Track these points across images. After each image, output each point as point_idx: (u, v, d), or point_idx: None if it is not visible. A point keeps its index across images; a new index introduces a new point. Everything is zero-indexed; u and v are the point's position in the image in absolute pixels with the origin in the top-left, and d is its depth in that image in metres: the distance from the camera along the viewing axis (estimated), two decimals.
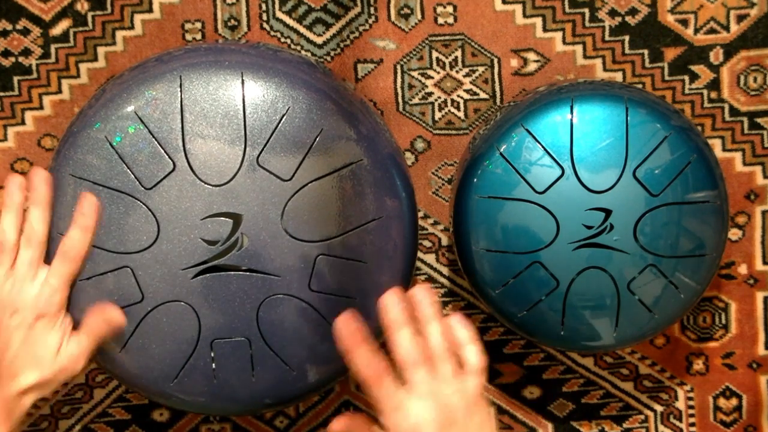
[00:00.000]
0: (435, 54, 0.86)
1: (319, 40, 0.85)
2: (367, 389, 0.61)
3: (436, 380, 0.60)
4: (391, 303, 0.62)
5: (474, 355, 0.63)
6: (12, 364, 0.63)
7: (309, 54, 0.85)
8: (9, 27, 0.83)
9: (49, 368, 0.64)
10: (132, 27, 0.84)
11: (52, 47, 0.83)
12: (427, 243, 0.88)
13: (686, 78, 0.87)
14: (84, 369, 0.66)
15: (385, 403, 0.60)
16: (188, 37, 0.84)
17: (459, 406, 0.60)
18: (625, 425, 0.92)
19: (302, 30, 0.85)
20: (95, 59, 0.84)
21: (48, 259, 0.67)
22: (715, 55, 0.86)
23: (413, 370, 0.60)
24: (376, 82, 0.86)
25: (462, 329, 0.64)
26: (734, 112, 0.87)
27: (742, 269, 0.89)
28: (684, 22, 0.86)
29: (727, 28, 0.86)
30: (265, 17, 0.85)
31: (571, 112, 0.74)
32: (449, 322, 0.64)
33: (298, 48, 0.85)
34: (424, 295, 0.63)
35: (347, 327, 0.62)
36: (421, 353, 0.61)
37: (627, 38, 0.86)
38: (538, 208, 0.74)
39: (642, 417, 0.92)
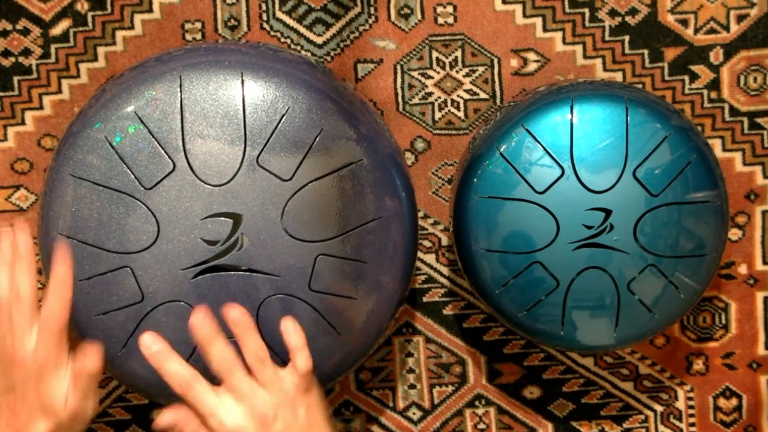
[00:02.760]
0: (435, 54, 0.86)
1: (319, 40, 0.85)
2: (183, 398, 0.65)
3: (255, 384, 0.65)
4: (199, 322, 0.65)
5: (302, 360, 0.68)
6: (30, 412, 0.64)
7: (309, 54, 0.85)
8: (9, 27, 0.83)
9: (61, 416, 0.64)
10: (132, 27, 0.84)
11: (52, 47, 0.83)
12: (427, 243, 0.88)
13: (686, 78, 0.87)
14: (94, 413, 0.67)
15: (200, 410, 0.64)
16: (188, 37, 0.84)
17: (277, 404, 0.65)
18: (625, 425, 0.92)
19: (302, 30, 0.85)
20: (95, 59, 0.84)
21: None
22: (715, 55, 0.86)
23: (229, 376, 0.65)
24: (376, 82, 0.86)
25: (292, 336, 0.68)
26: (734, 112, 0.87)
27: (742, 269, 0.89)
28: (684, 22, 0.86)
29: (727, 28, 0.86)
30: (265, 17, 0.85)
31: (571, 112, 0.74)
32: (282, 328, 0.68)
33: (298, 48, 0.85)
34: (237, 315, 0.67)
35: (153, 344, 0.66)
36: (235, 361, 0.66)
37: (627, 38, 0.86)
38: (538, 208, 0.74)
39: (642, 417, 0.92)
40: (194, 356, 0.71)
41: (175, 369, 0.65)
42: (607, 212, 0.74)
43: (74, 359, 0.65)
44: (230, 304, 0.67)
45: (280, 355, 0.71)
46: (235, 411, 0.65)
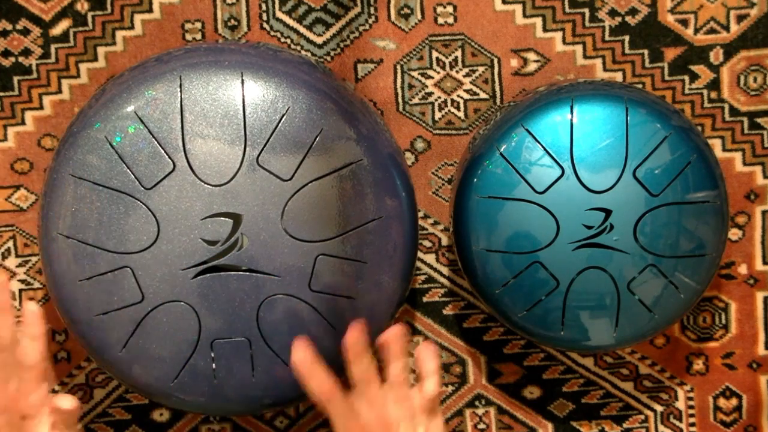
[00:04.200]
0: (435, 54, 0.86)
1: (319, 40, 0.85)
2: (321, 406, 0.66)
3: (390, 399, 0.67)
4: (353, 341, 0.66)
5: (431, 386, 0.69)
6: None
7: (309, 54, 0.85)
8: (9, 27, 0.83)
9: None
10: (132, 27, 0.84)
11: (52, 47, 0.83)
12: (427, 243, 0.88)
13: (686, 78, 0.87)
14: None
15: (336, 412, 0.66)
16: (188, 37, 0.84)
17: (402, 418, 0.67)
18: (625, 425, 0.92)
19: (302, 30, 0.85)
20: (95, 59, 0.84)
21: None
22: (715, 55, 0.86)
23: (367, 386, 0.67)
24: (376, 82, 0.86)
25: (428, 362, 0.69)
26: (734, 112, 0.87)
27: (742, 269, 0.89)
28: (684, 22, 0.86)
29: (727, 28, 0.86)
30: (265, 17, 0.85)
31: (571, 112, 0.74)
32: (419, 353, 0.69)
33: (298, 48, 0.85)
34: (393, 337, 0.68)
35: (302, 355, 0.66)
36: (375, 375, 0.67)
37: (627, 38, 0.86)
38: (538, 208, 0.74)
39: (642, 417, 0.92)
40: (193, 356, 0.71)
41: (322, 380, 0.66)
42: (607, 212, 0.74)
43: (50, 401, 0.65)
44: (394, 326, 0.68)
45: (282, 357, 0.71)
46: (366, 416, 0.66)
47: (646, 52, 0.86)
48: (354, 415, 0.66)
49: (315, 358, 0.66)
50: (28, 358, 0.65)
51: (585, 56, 0.86)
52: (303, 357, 0.66)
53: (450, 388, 0.90)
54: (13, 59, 0.84)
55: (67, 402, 0.65)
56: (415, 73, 0.86)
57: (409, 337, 0.70)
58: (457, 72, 0.86)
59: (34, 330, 0.65)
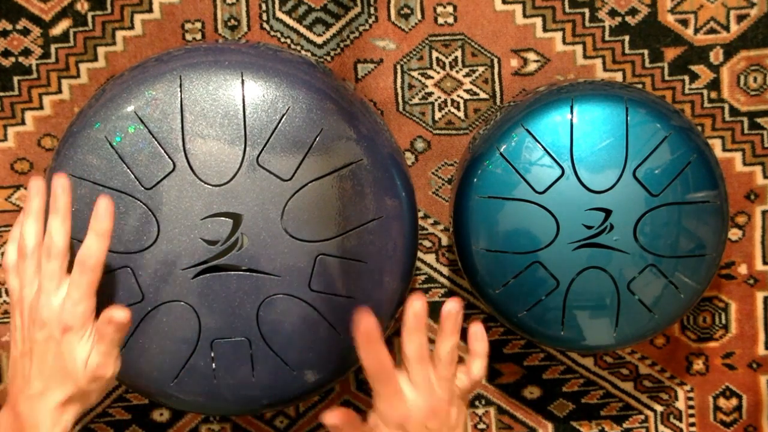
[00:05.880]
0: (435, 54, 0.86)
1: (319, 40, 0.85)
2: (371, 380, 0.64)
3: (434, 378, 0.65)
4: (415, 312, 0.65)
5: (479, 368, 0.68)
6: (48, 378, 0.62)
7: (309, 54, 0.85)
8: (9, 27, 0.83)
9: (81, 379, 0.62)
10: (132, 27, 0.84)
11: (52, 47, 0.83)
12: (427, 243, 0.88)
13: (686, 78, 0.87)
14: (114, 374, 0.65)
15: (385, 392, 0.64)
16: (188, 37, 0.84)
17: (443, 401, 0.65)
18: (625, 425, 0.92)
19: (302, 30, 0.85)
20: (95, 59, 0.84)
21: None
22: (715, 55, 0.86)
23: (416, 367, 0.65)
24: (376, 82, 0.86)
25: (479, 342, 0.69)
26: (734, 112, 0.87)
27: (742, 269, 0.89)
28: (684, 22, 0.86)
29: (727, 28, 0.86)
30: (265, 17, 0.85)
31: (571, 112, 0.74)
32: (471, 330, 0.69)
33: (298, 48, 0.85)
34: (452, 310, 0.67)
35: (365, 323, 0.64)
36: (427, 354, 0.66)
37: (627, 38, 0.86)
38: (538, 208, 0.74)
39: (642, 417, 0.92)
40: (193, 356, 0.71)
41: (379, 355, 0.64)
42: (607, 212, 0.74)
43: (97, 318, 0.63)
44: (452, 299, 0.68)
45: (282, 357, 0.71)
46: (414, 397, 0.65)
47: (646, 52, 0.86)
48: (400, 396, 0.64)
49: (378, 331, 0.64)
50: (89, 259, 0.62)
51: (585, 56, 0.86)
52: (368, 328, 0.64)
53: None
54: (13, 59, 0.84)
55: (121, 313, 0.62)
56: (415, 73, 0.86)
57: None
58: (457, 72, 0.86)
59: (102, 225, 0.62)
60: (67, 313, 0.62)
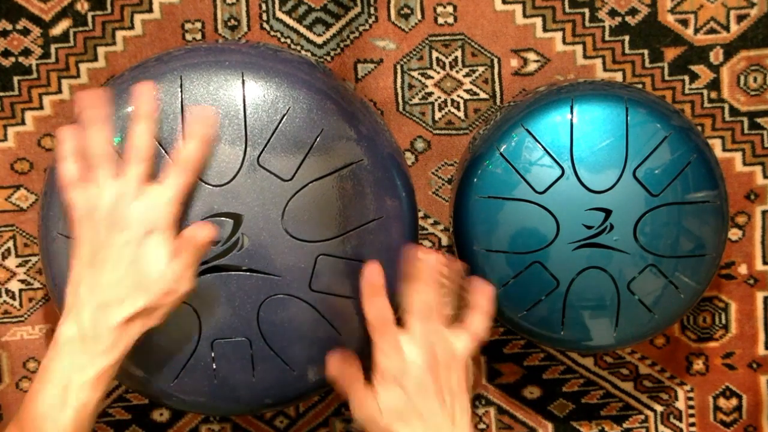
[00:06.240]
0: (435, 54, 0.86)
1: (319, 40, 0.85)
2: (372, 333, 0.65)
3: (433, 332, 0.65)
4: (427, 260, 0.66)
5: (479, 323, 0.68)
6: (118, 288, 0.61)
7: (309, 54, 0.85)
8: (9, 27, 0.83)
9: (155, 291, 0.61)
10: (132, 27, 0.84)
11: (52, 47, 0.83)
12: (427, 243, 0.88)
13: (686, 78, 0.87)
14: (188, 292, 0.64)
15: (384, 345, 0.65)
16: (188, 37, 0.84)
17: (443, 359, 0.65)
18: (625, 425, 0.92)
19: (302, 30, 0.85)
20: (95, 59, 0.84)
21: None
22: (715, 55, 0.86)
23: (417, 321, 0.65)
24: (376, 82, 0.86)
25: (484, 297, 0.68)
26: (734, 112, 0.87)
27: (742, 269, 0.90)
28: (684, 22, 0.86)
29: (727, 28, 0.86)
30: (265, 17, 0.85)
31: (571, 112, 0.75)
32: (474, 284, 0.68)
33: (298, 48, 0.85)
34: (429, 261, 0.67)
35: (370, 274, 0.65)
36: (429, 308, 0.66)
37: (627, 38, 0.86)
38: (538, 208, 0.74)
39: (642, 417, 0.92)
40: (194, 356, 0.71)
41: (382, 308, 0.65)
42: (607, 212, 0.74)
43: (183, 229, 0.63)
44: (428, 250, 0.67)
45: (282, 357, 0.71)
46: (413, 351, 0.64)
47: (646, 52, 0.86)
48: (398, 351, 0.64)
49: (383, 284, 0.65)
50: (189, 161, 0.63)
51: (585, 56, 0.86)
52: (373, 280, 0.64)
53: None
54: (13, 59, 0.84)
55: (204, 232, 0.63)
56: (415, 73, 0.86)
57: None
58: (457, 72, 0.86)
59: (202, 129, 0.65)
60: (155, 213, 0.61)
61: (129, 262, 0.61)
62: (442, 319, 0.67)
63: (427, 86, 0.86)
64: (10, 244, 0.85)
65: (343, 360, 0.68)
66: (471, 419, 0.65)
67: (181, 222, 0.68)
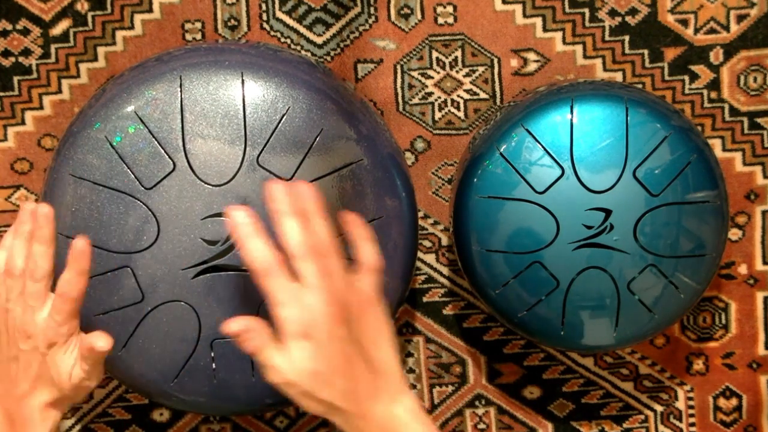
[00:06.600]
0: (435, 54, 0.86)
1: (319, 40, 0.85)
2: (259, 281, 0.59)
3: (327, 275, 0.59)
4: (278, 192, 0.60)
5: (368, 252, 0.63)
6: (33, 381, 0.64)
7: (309, 54, 0.85)
8: (9, 27, 0.83)
9: (66, 388, 0.64)
10: (132, 27, 0.84)
11: (52, 47, 0.83)
12: (427, 243, 0.88)
13: (686, 78, 0.87)
14: (98, 383, 0.67)
15: (278, 296, 0.58)
16: (188, 37, 0.84)
17: (352, 303, 0.59)
18: (625, 425, 0.92)
19: (302, 30, 0.85)
20: (95, 59, 0.84)
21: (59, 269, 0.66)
22: (715, 55, 0.86)
23: (303, 263, 0.58)
24: (376, 82, 0.86)
25: (356, 226, 0.63)
26: (734, 112, 0.87)
27: (742, 269, 0.89)
28: (684, 22, 0.86)
29: (727, 28, 0.86)
30: (265, 17, 0.85)
31: (571, 112, 0.74)
32: (343, 219, 0.64)
33: (298, 48, 0.85)
34: (308, 191, 0.61)
35: (240, 217, 0.59)
36: (310, 246, 0.59)
37: (627, 38, 0.86)
38: (538, 208, 0.74)
39: (642, 417, 0.92)
40: (193, 356, 0.71)
41: (259, 248, 0.58)
42: (607, 212, 0.74)
43: (83, 338, 0.64)
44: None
45: None
46: (314, 300, 0.58)
47: (646, 52, 0.86)
48: (297, 299, 0.57)
49: (256, 222, 0.58)
50: (70, 292, 0.63)
51: (585, 56, 0.86)
52: (244, 217, 0.58)
53: (450, 388, 0.90)
54: (13, 59, 0.84)
55: (102, 341, 0.63)
56: (415, 73, 0.86)
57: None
58: (457, 72, 0.86)
59: (80, 266, 0.63)
60: (52, 331, 0.63)
61: (38, 365, 0.64)
62: (335, 256, 0.60)
63: (427, 86, 0.86)
64: None
65: (245, 323, 0.59)
66: (400, 364, 0.60)
67: (182, 223, 0.68)
